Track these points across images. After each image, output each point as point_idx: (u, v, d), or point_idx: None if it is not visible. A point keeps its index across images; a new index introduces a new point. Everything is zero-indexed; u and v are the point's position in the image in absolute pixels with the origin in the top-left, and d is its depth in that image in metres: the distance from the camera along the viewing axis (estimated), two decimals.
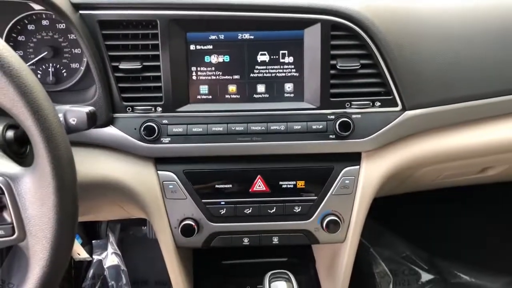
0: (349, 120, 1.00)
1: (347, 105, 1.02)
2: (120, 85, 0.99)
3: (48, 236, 0.66)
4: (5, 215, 0.66)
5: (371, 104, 1.02)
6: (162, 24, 0.96)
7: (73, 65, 1.08)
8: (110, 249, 1.74)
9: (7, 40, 1.05)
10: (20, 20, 1.05)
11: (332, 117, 1.01)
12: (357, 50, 1.00)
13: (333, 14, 0.98)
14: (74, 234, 0.71)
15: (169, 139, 1.01)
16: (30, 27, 1.06)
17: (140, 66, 0.98)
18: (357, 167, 1.06)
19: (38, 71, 1.08)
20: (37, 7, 1.02)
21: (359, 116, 1.02)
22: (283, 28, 1.00)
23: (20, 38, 1.06)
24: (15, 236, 0.66)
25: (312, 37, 0.99)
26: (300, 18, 0.98)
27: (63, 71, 1.08)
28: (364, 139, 1.03)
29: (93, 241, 1.72)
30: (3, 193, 0.65)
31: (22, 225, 0.66)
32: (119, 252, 1.74)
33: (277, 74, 1.02)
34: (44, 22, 1.06)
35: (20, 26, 1.06)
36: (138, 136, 1.00)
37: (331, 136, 1.02)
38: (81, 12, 0.96)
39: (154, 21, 0.97)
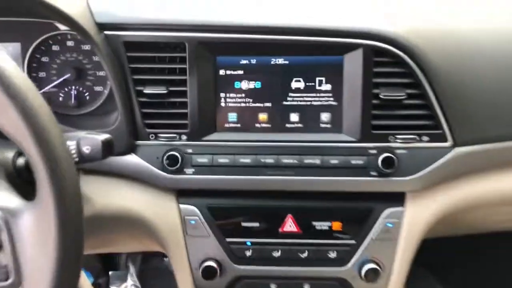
0: (393, 156, 0.91)
1: (391, 138, 0.93)
2: (144, 110, 0.94)
3: (47, 279, 0.59)
4: (1, 256, 0.59)
5: (417, 138, 0.93)
6: (190, 47, 0.91)
7: (97, 88, 1.04)
8: (129, 281, 1.66)
9: (31, 61, 1.02)
10: (45, 41, 1.02)
11: (374, 151, 0.93)
12: (402, 79, 0.92)
13: (376, 39, 0.91)
14: (77, 276, 0.64)
15: (193, 170, 0.94)
16: (55, 47, 1.03)
17: (165, 91, 0.92)
18: (401, 208, 0.97)
19: (60, 94, 1.04)
20: (62, 27, 0.99)
21: (404, 151, 0.93)
22: (321, 53, 0.93)
23: (44, 59, 1.03)
24: (10, 281, 0.59)
25: (352, 63, 0.92)
26: (340, 43, 0.92)
27: (86, 94, 1.04)
28: (410, 177, 0.93)
29: (110, 272, 1.65)
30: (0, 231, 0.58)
31: (19, 268, 0.59)
32: (139, 285, 1.67)
33: (313, 103, 0.95)
34: (69, 43, 1.03)
35: (44, 47, 1.02)
36: (160, 166, 0.94)
37: (372, 173, 0.93)
38: (106, 32, 0.92)
39: (182, 44, 0.92)
